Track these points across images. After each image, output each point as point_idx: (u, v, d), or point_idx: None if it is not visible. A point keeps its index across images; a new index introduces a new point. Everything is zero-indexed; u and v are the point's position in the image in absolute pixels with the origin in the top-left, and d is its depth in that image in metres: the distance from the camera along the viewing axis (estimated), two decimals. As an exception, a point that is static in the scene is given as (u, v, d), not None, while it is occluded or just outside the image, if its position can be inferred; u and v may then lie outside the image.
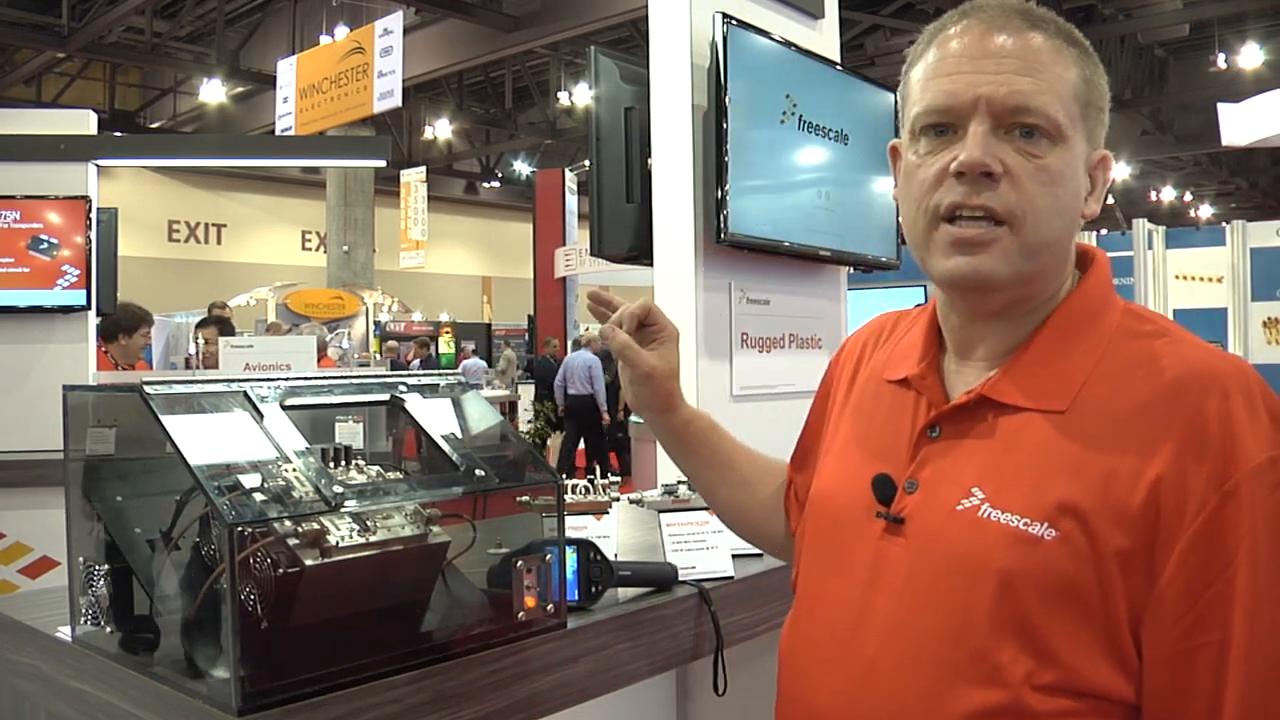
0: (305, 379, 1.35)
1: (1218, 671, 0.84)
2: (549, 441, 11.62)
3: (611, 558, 1.49)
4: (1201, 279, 7.95)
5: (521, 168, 23.96)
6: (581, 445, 11.06)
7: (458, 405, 1.46)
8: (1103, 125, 1.00)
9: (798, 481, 1.23)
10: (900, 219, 1.05)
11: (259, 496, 1.10)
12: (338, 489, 1.16)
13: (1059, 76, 0.94)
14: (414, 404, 1.40)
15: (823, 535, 1.07)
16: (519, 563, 1.29)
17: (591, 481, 1.69)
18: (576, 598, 1.42)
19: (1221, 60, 14.22)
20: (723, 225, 2.34)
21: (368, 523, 1.18)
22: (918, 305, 1.16)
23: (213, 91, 15.29)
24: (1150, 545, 0.85)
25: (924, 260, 1.00)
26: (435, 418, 1.40)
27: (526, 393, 13.66)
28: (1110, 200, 24.28)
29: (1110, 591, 0.86)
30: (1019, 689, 0.86)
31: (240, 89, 16.91)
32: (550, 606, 1.33)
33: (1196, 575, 0.84)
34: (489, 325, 21.11)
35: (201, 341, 6.24)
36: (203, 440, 1.13)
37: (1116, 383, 0.92)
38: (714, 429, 1.27)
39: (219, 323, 6.76)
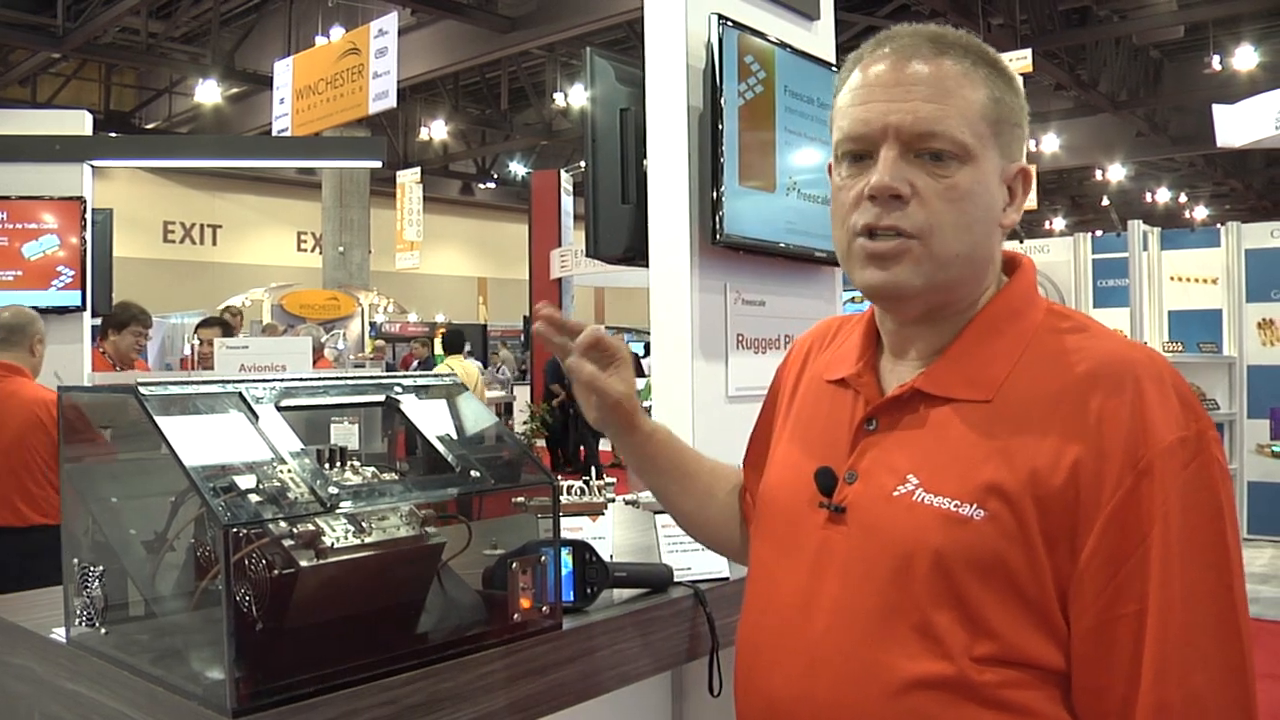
0: (300, 380, 1.35)
1: (1135, 640, 0.89)
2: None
3: (607, 559, 1.49)
4: (1196, 280, 7.94)
5: (517, 169, 23.94)
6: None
7: (453, 406, 1.46)
8: (1019, 140, 1.04)
9: (751, 481, 1.27)
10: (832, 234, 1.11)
11: (254, 498, 1.10)
12: (333, 490, 1.16)
13: (966, 99, 1.00)
14: (409, 405, 1.40)
15: (771, 529, 1.12)
16: (514, 564, 1.29)
17: (587, 483, 1.69)
18: (572, 599, 1.42)
19: (1216, 62, 14.22)
20: (718, 226, 2.34)
21: (363, 524, 1.18)
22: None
23: (208, 92, 15.24)
24: (1072, 523, 0.91)
25: (849, 273, 1.07)
26: (430, 419, 1.40)
27: (522, 393, 13.64)
28: (1105, 201, 24.34)
29: (1037, 567, 0.92)
30: (959, 660, 0.92)
31: (235, 90, 16.87)
32: (546, 608, 1.33)
33: (1114, 551, 0.90)
34: (484, 326, 21.08)
35: (197, 342, 6.24)
36: (198, 441, 1.13)
37: (1037, 374, 0.98)
38: (673, 439, 1.31)
39: (222, 324, 6.79)
